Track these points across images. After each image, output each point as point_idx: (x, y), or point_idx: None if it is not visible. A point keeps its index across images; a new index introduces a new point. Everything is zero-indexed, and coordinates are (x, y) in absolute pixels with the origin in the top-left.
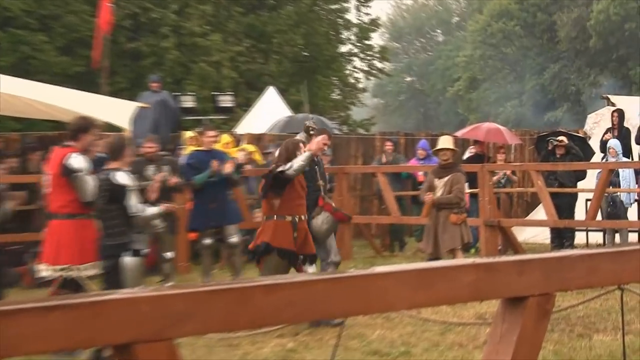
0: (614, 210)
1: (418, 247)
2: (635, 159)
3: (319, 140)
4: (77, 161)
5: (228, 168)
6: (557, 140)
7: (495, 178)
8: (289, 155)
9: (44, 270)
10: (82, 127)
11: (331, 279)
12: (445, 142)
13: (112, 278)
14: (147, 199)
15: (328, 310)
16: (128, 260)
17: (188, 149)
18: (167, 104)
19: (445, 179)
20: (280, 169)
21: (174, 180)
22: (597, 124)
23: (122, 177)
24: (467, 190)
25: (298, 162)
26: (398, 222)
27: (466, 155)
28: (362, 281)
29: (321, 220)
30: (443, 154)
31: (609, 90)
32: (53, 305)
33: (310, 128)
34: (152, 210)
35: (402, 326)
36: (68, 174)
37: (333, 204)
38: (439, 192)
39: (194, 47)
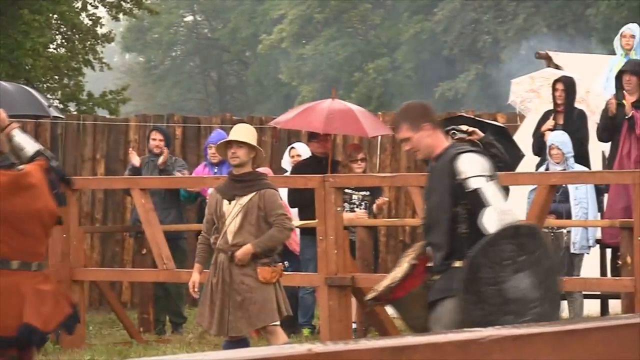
0: (559, 258)
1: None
2: (597, 165)
3: None
4: None
5: None
6: (463, 132)
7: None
8: None
9: None
10: None
11: None
12: (239, 132)
13: None
14: None
15: None
16: None
17: None
18: None
19: (243, 200)
20: None
21: None
22: (535, 93)
23: None
24: (298, 223)
25: None
26: (172, 281)
27: (286, 161)
28: None
29: None
30: (233, 153)
31: (549, 43)
32: None
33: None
34: None
35: None
36: None
37: None
38: (231, 226)
39: None
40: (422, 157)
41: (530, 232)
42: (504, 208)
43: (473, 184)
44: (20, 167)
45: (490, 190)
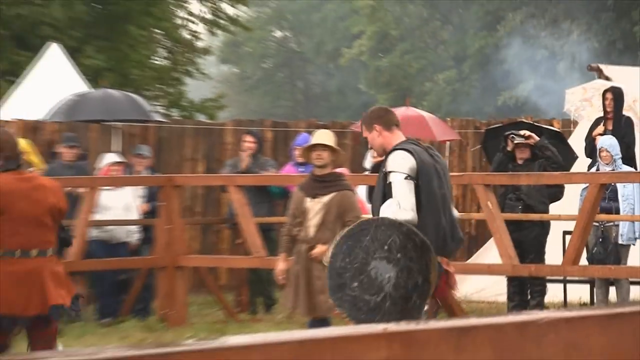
0: (607, 250)
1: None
2: None
3: None
4: None
5: None
6: (521, 137)
7: None
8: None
9: None
10: None
11: (157, 356)
12: (322, 136)
13: None
14: None
15: None
16: None
17: None
18: None
19: (325, 199)
20: None
21: None
22: (587, 102)
23: None
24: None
25: None
26: (263, 267)
27: (368, 161)
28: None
29: None
30: (318, 155)
31: (599, 56)
32: None
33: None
34: None
35: None
36: None
37: None
38: (313, 221)
39: None
40: (378, 153)
41: (421, 245)
42: (405, 206)
43: (391, 177)
44: (30, 169)
45: (401, 187)
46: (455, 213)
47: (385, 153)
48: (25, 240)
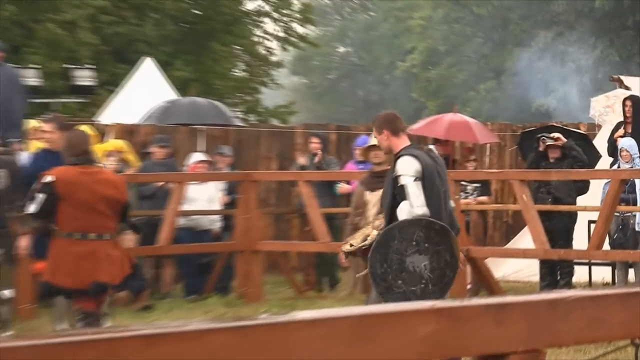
0: (627, 236)
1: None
2: None
3: None
4: None
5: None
6: (552, 139)
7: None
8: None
9: None
10: None
11: (235, 328)
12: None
13: None
14: None
15: None
16: None
17: (32, 145)
18: (16, 81)
19: (382, 191)
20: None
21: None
22: (610, 109)
23: None
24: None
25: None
26: (328, 251)
27: None
28: (277, 332)
29: None
30: (375, 155)
31: (619, 68)
32: None
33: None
34: None
35: None
36: None
37: None
38: (372, 211)
39: (37, 1)
40: (384, 153)
41: (441, 230)
42: (417, 204)
43: (402, 180)
44: (99, 164)
45: (412, 188)
46: (452, 204)
47: (391, 153)
48: (84, 224)
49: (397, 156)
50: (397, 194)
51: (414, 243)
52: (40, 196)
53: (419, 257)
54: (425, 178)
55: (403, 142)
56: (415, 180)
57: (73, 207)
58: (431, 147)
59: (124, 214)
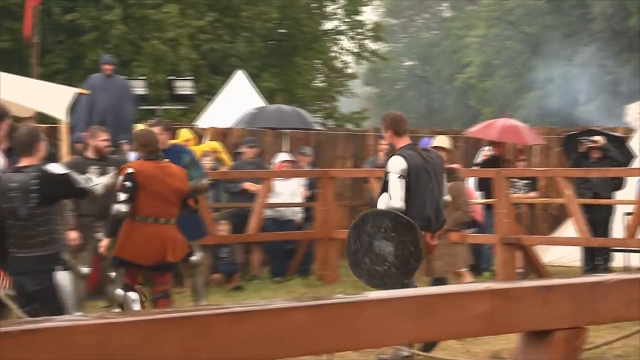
0: None
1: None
2: None
3: None
4: None
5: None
6: (591, 141)
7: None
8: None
9: None
10: None
11: (314, 306)
12: (439, 141)
13: (45, 299)
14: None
15: (309, 345)
16: (63, 275)
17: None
18: (126, 90)
19: None
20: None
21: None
22: None
23: (57, 167)
24: (481, 200)
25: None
26: None
27: (480, 158)
28: (351, 310)
29: None
30: None
31: None
32: None
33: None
34: (102, 180)
35: None
36: None
37: None
38: None
39: (144, 21)
40: (387, 150)
41: (407, 224)
42: (395, 198)
43: (388, 177)
44: (166, 160)
45: (393, 184)
46: (447, 198)
47: (394, 152)
48: (157, 211)
49: (391, 155)
50: (384, 187)
51: (382, 230)
52: (128, 184)
53: (385, 243)
54: (411, 175)
55: (403, 142)
56: (399, 177)
57: (149, 195)
58: (486, 148)
59: (184, 203)
